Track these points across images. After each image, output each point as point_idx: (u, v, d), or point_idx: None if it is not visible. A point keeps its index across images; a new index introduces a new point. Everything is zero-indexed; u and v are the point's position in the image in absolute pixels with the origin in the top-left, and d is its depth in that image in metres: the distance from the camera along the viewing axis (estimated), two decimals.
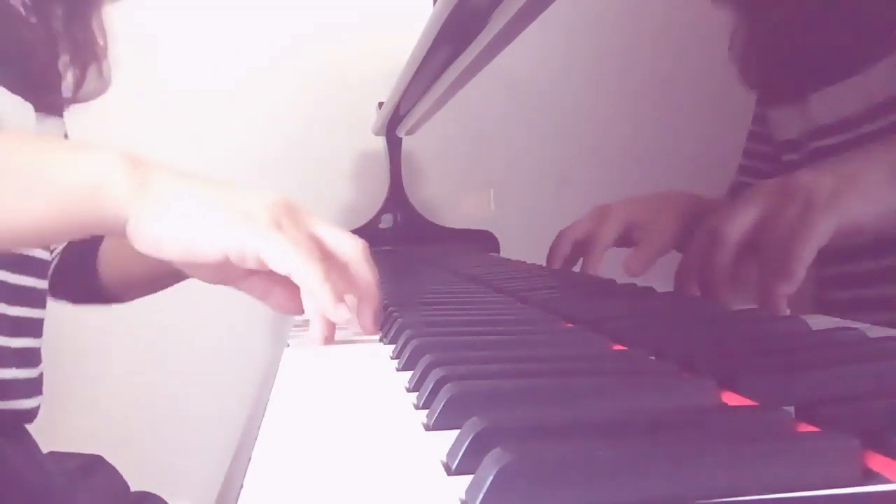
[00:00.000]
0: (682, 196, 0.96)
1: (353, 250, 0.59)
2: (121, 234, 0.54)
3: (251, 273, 0.58)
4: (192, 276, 0.60)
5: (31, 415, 0.82)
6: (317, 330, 0.58)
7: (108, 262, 0.96)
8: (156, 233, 0.53)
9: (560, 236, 0.92)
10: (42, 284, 0.82)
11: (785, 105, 0.93)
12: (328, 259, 0.57)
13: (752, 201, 0.64)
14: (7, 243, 0.57)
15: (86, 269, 0.95)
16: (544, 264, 0.97)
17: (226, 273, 0.58)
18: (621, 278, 0.87)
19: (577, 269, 0.94)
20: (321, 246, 0.58)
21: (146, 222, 0.53)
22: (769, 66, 0.95)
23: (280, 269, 0.54)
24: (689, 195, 0.97)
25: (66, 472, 0.87)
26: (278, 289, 0.60)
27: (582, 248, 0.90)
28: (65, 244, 0.97)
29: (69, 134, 0.95)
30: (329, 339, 0.58)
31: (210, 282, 0.60)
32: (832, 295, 0.90)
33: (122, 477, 0.93)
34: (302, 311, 0.60)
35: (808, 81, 0.88)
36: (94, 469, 0.92)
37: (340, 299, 0.55)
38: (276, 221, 0.55)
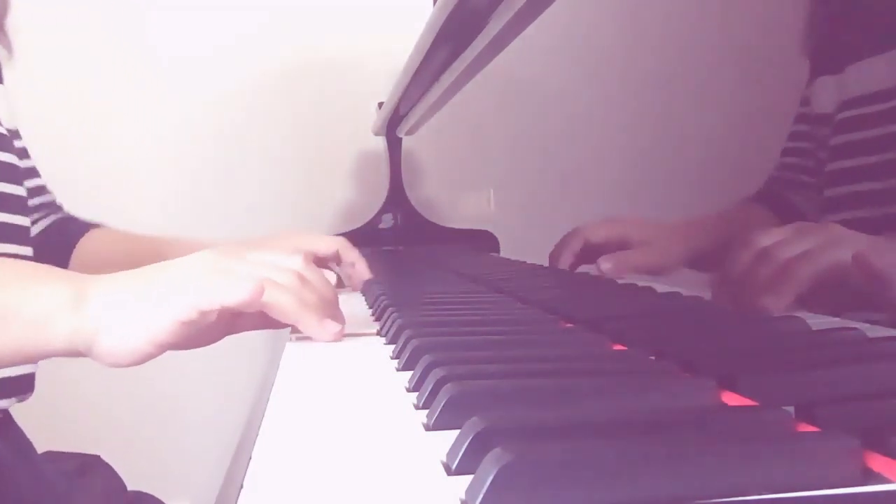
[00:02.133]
0: (695, 225, 0.97)
1: (296, 266, 0.60)
2: (81, 356, 0.56)
3: (234, 316, 0.59)
4: (191, 348, 0.60)
5: (26, 383, 0.81)
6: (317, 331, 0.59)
7: (86, 259, 0.96)
8: (107, 347, 0.54)
9: (572, 231, 0.94)
10: None
11: (825, 77, 0.94)
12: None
13: (779, 230, 0.65)
14: None
15: (59, 259, 0.95)
16: (544, 264, 0.97)
17: (216, 332, 0.59)
18: (621, 278, 0.87)
19: (568, 267, 0.94)
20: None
21: (98, 343, 0.54)
22: (819, 35, 0.95)
23: (247, 309, 0.55)
24: (703, 223, 0.98)
25: (62, 472, 0.87)
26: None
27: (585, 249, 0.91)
28: (37, 232, 0.97)
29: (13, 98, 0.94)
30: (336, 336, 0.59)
31: (208, 342, 0.60)
32: None
33: (119, 477, 0.93)
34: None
35: (848, 52, 0.89)
36: (90, 469, 0.92)
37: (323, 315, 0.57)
38: (219, 271, 0.55)
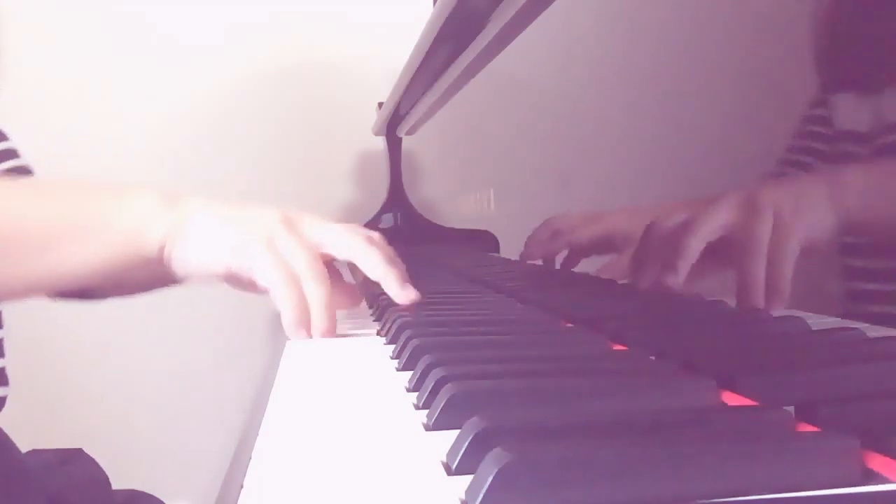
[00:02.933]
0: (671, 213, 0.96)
1: (351, 250, 0.63)
2: (159, 264, 0.60)
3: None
4: (226, 284, 0.64)
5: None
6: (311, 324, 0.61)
7: None
8: (183, 255, 0.60)
9: (544, 223, 0.93)
10: None
11: (852, 93, 0.93)
12: (328, 265, 0.62)
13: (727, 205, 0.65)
14: (63, 287, 0.63)
15: None
16: (543, 263, 0.97)
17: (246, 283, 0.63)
18: (621, 278, 0.87)
19: (564, 265, 0.94)
20: (322, 250, 0.62)
21: (179, 248, 0.60)
22: (848, 47, 0.95)
23: (264, 285, 0.59)
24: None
25: (44, 463, 0.87)
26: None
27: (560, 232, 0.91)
28: None
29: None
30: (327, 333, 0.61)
31: (240, 289, 0.65)
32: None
33: (101, 468, 0.93)
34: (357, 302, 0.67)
35: (882, 74, 0.88)
36: (72, 460, 0.92)
37: (305, 321, 0.60)
38: (268, 238, 0.59)
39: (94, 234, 0.58)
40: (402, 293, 0.62)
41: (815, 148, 1.04)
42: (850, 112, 0.93)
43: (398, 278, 0.62)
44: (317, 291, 0.60)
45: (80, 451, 0.94)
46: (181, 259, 0.60)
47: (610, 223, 0.90)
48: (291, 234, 0.60)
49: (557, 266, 0.93)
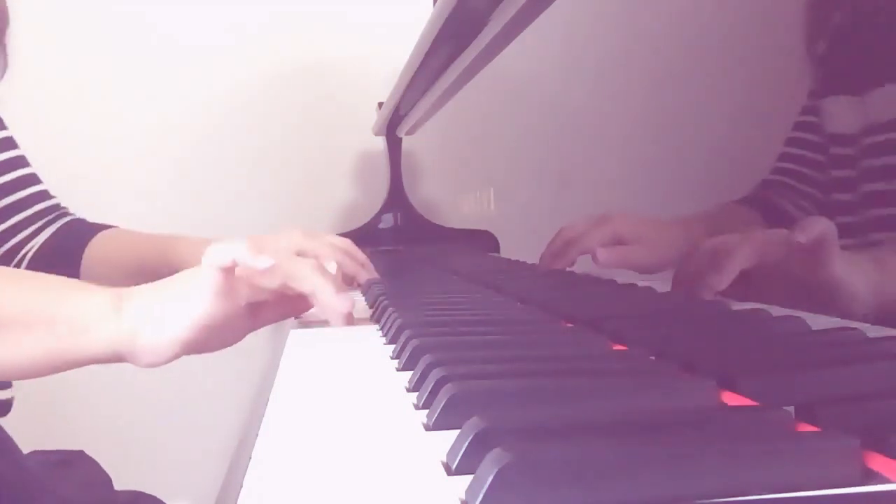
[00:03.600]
0: (682, 228, 0.97)
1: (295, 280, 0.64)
2: (118, 361, 0.59)
3: (257, 310, 0.63)
4: (206, 351, 0.63)
5: (4, 407, 0.83)
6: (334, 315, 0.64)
7: (94, 261, 0.96)
8: (145, 344, 0.57)
9: (558, 232, 0.94)
10: None
11: (842, 96, 0.93)
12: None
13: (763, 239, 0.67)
14: (7, 377, 0.65)
15: (70, 262, 0.95)
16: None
17: (235, 326, 0.62)
18: (621, 278, 0.87)
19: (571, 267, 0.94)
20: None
21: (136, 343, 0.57)
22: (837, 52, 0.95)
23: (301, 287, 0.61)
24: (689, 228, 0.98)
25: (46, 465, 0.87)
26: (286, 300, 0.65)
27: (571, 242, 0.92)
28: (47, 237, 0.97)
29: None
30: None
31: (229, 342, 0.64)
32: None
33: (103, 470, 0.93)
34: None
35: (872, 76, 0.88)
36: (74, 462, 0.92)
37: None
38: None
39: (38, 328, 0.56)
40: (337, 303, 0.62)
41: (807, 156, 1.04)
42: (840, 115, 0.94)
43: (330, 288, 0.62)
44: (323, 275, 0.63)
45: (81, 452, 0.95)
46: (150, 349, 0.57)
47: (617, 224, 0.91)
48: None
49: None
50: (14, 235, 0.95)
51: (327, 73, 1.69)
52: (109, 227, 1.01)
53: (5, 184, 0.95)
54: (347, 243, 0.88)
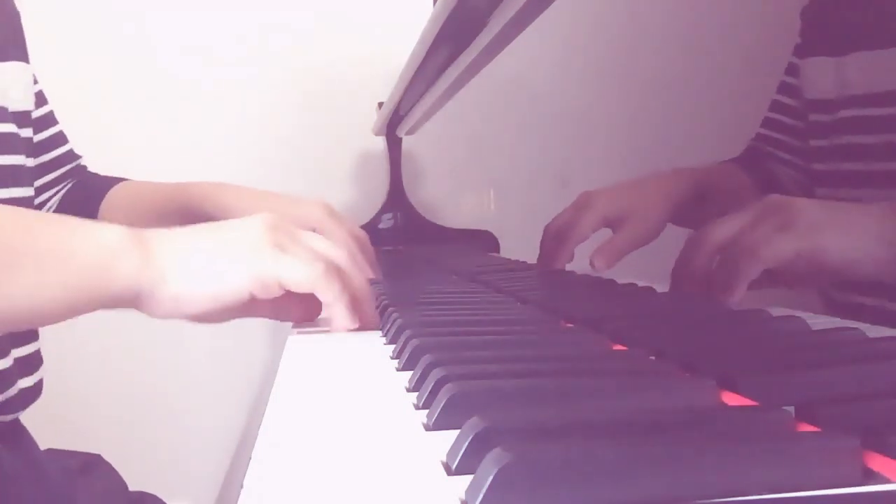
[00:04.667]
0: (670, 177, 0.95)
1: (342, 259, 0.62)
2: (132, 305, 0.55)
3: (256, 302, 0.60)
4: (204, 322, 0.61)
5: (34, 393, 0.82)
6: (340, 322, 0.61)
7: (110, 215, 0.95)
8: (173, 294, 0.55)
9: (545, 231, 0.93)
10: None
11: (821, 57, 0.92)
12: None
13: (742, 213, 0.66)
14: (21, 323, 0.58)
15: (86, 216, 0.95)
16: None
17: (239, 310, 0.60)
18: (621, 278, 0.87)
19: (572, 266, 0.94)
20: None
21: (161, 288, 0.54)
22: (822, 11, 0.94)
23: (303, 289, 0.57)
24: (677, 174, 0.96)
25: (64, 470, 0.87)
26: (292, 304, 0.63)
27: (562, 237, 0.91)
28: (63, 193, 0.97)
29: (38, 79, 0.94)
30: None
31: (221, 321, 0.61)
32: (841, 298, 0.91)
33: (120, 476, 0.93)
34: (314, 318, 0.64)
35: (851, 38, 0.88)
36: (92, 468, 0.92)
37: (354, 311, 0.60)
38: (278, 245, 0.57)
39: (53, 263, 0.52)
40: (343, 322, 0.60)
41: (786, 123, 1.03)
42: (818, 79, 0.93)
43: (344, 311, 0.60)
44: (358, 279, 0.61)
45: (98, 457, 0.94)
46: (168, 299, 0.55)
47: (602, 206, 0.90)
48: (294, 240, 0.59)
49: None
50: (39, 195, 0.94)
51: (327, 73, 1.69)
52: (121, 179, 1.01)
53: (41, 142, 0.94)
54: (363, 239, 0.86)
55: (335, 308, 0.59)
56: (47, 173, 0.96)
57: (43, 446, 0.86)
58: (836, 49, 0.90)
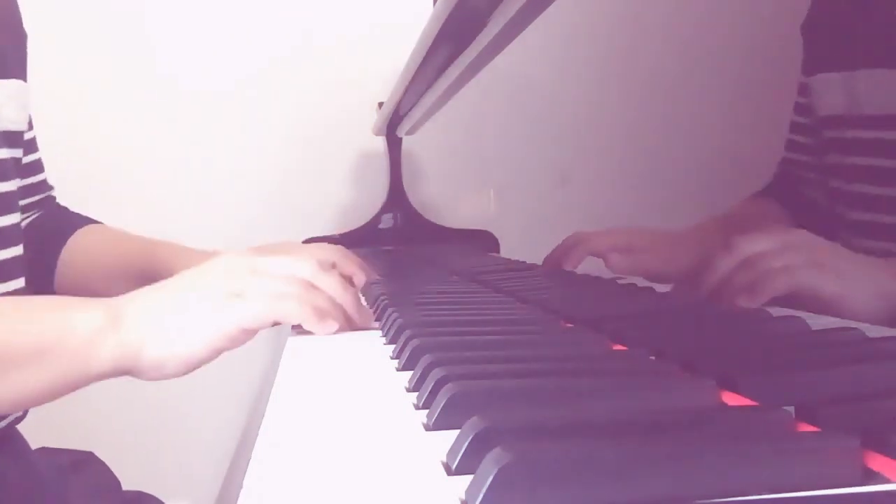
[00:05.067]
0: (707, 233, 0.96)
1: (306, 271, 0.63)
2: (119, 375, 0.57)
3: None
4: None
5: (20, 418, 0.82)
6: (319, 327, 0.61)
7: (75, 255, 0.94)
8: (154, 360, 0.56)
9: (570, 236, 0.93)
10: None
11: (828, 73, 0.92)
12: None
13: (775, 235, 0.67)
14: (13, 410, 0.64)
15: (49, 252, 0.93)
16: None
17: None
18: (621, 278, 0.87)
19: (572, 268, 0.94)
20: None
21: (142, 358, 0.56)
22: (824, 27, 0.94)
23: (267, 324, 0.59)
24: (715, 231, 0.97)
25: (56, 468, 0.87)
26: None
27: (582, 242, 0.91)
28: (29, 222, 0.95)
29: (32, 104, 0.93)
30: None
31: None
32: None
33: (112, 473, 0.93)
34: None
35: (858, 54, 0.87)
36: (85, 466, 0.92)
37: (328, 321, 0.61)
38: (233, 292, 0.58)
39: (32, 365, 0.54)
40: (322, 329, 0.61)
41: (806, 143, 1.03)
42: (827, 95, 0.93)
43: (315, 321, 0.61)
44: (330, 285, 0.62)
45: (91, 455, 0.94)
46: (152, 367, 0.56)
47: (632, 233, 0.90)
48: (264, 274, 0.60)
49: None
50: None
51: (327, 73, 1.69)
52: (93, 221, 0.99)
53: (26, 165, 0.93)
54: (342, 250, 0.85)
55: (308, 324, 0.60)
56: (23, 198, 0.94)
57: (40, 446, 0.86)
58: (842, 64, 0.90)
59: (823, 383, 0.36)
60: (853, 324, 0.53)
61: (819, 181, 1.02)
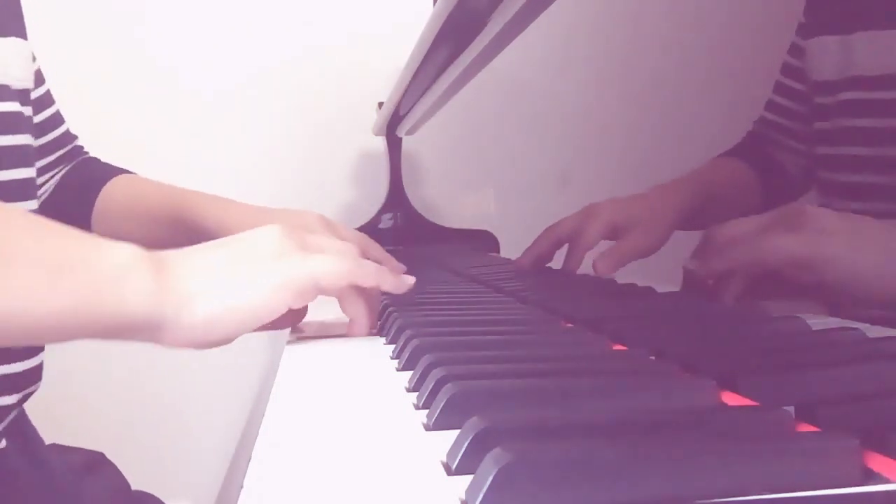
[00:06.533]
0: (673, 187, 0.95)
1: (356, 253, 0.61)
2: (145, 335, 0.49)
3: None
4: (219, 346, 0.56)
5: (34, 376, 0.80)
6: (363, 327, 0.60)
7: (108, 204, 0.93)
8: (206, 317, 0.49)
9: (544, 231, 0.92)
10: None
11: (826, 36, 0.92)
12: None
13: (759, 217, 0.66)
14: (15, 334, 0.48)
15: (83, 202, 0.92)
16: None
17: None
18: (621, 278, 0.87)
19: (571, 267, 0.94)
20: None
21: (190, 312, 0.48)
22: None
23: (342, 284, 0.55)
24: (679, 183, 0.96)
25: (69, 468, 0.87)
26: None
27: (567, 244, 0.90)
28: (55, 184, 0.95)
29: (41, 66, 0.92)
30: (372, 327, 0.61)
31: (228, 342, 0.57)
32: None
33: (123, 476, 0.93)
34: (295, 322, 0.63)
35: (857, 17, 0.87)
36: (97, 467, 0.92)
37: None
38: (301, 247, 0.55)
39: (55, 269, 0.45)
40: (400, 285, 0.61)
41: (792, 108, 1.02)
42: (825, 59, 0.92)
43: (390, 276, 0.60)
44: (373, 276, 0.59)
45: (101, 455, 0.94)
46: (197, 327, 0.49)
47: (609, 213, 0.89)
48: (311, 241, 0.57)
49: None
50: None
51: (327, 73, 1.69)
52: (124, 171, 0.98)
53: (40, 123, 0.92)
54: (368, 239, 0.85)
55: (387, 284, 0.59)
56: (45, 156, 0.93)
57: (52, 442, 0.86)
58: (842, 28, 0.89)
59: (823, 383, 0.36)
60: (853, 324, 0.53)
61: (795, 148, 1.02)
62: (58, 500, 0.80)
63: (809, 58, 0.95)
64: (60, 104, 1.00)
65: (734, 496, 0.25)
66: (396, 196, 1.51)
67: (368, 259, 0.65)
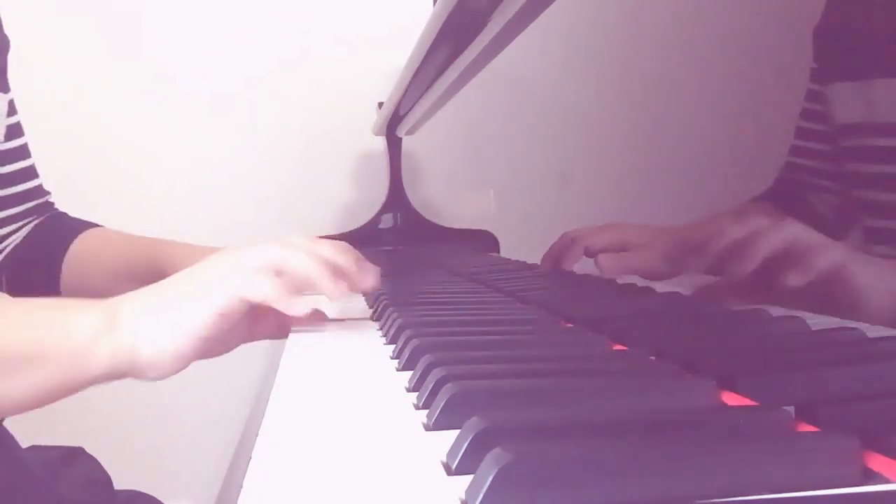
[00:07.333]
0: (701, 229, 0.95)
1: (304, 245, 0.62)
2: (127, 377, 0.56)
3: (257, 319, 0.62)
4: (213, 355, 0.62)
5: None
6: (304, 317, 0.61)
7: (79, 260, 0.94)
8: (148, 360, 0.55)
9: (563, 235, 0.92)
10: None
11: (845, 82, 0.92)
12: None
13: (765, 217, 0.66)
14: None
15: (51, 260, 0.94)
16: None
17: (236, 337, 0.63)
18: (622, 278, 0.87)
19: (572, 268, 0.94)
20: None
21: (138, 358, 0.55)
22: (839, 35, 0.94)
23: (298, 274, 0.58)
24: (702, 232, 0.96)
25: (45, 462, 0.87)
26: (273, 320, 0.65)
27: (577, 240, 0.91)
28: (30, 230, 0.96)
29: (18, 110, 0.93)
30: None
31: (228, 349, 0.64)
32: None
33: (102, 468, 0.93)
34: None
35: (873, 63, 0.87)
36: (74, 460, 0.91)
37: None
38: (231, 267, 0.58)
39: (28, 368, 0.53)
40: (334, 290, 0.60)
41: (817, 148, 1.03)
42: (846, 104, 0.92)
43: (327, 277, 0.60)
44: (326, 250, 0.61)
45: (81, 449, 0.94)
46: (156, 360, 0.55)
47: (625, 230, 0.89)
48: (246, 253, 0.59)
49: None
50: (1, 228, 0.94)
51: (327, 73, 1.69)
52: (95, 225, 0.99)
53: (7, 174, 0.93)
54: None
55: (315, 279, 0.59)
56: (11, 207, 0.94)
57: (39, 443, 0.86)
58: (859, 73, 0.89)
59: (823, 383, 0.36)
60: (853, 324, 0.53)
61: (827, 188, 1.02)
62: (33, 495, 0.80)
63: (830, 103, 0.96)
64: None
65: (734, 496, 0.25)
66: (396, 196, 1.51)
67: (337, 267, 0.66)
